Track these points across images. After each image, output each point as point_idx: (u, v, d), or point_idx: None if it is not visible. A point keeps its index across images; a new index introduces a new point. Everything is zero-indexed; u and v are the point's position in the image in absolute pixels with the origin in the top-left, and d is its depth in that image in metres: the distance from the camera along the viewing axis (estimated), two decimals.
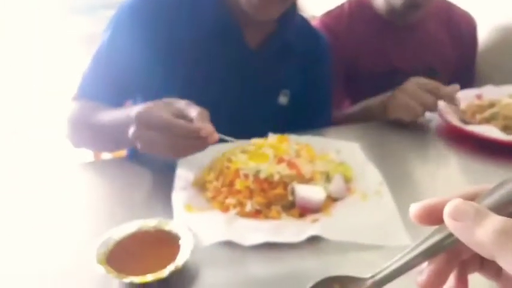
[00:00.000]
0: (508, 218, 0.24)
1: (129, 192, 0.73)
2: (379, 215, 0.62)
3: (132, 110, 0.67)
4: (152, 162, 0.80)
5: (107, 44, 0.89)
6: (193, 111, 0.65)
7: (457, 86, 0.89)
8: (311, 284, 0.28)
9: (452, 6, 1.27)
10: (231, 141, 0.70)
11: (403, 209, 0.63)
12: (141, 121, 0.65)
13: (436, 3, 1.19)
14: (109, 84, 0.89)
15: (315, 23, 1.16)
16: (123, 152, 0.96)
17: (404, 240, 0.57)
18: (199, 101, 0.67)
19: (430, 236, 0.27)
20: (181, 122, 0.64)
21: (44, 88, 2.33)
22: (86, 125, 0.84)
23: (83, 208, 0.70)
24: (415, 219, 0.28)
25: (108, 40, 0.89)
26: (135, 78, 0.88)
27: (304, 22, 1.02)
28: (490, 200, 0.26)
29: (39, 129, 2.18)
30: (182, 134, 0.63)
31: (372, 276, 0.28)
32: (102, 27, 0.92)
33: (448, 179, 0.77)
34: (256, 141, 0.74)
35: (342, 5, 1.25)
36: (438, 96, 0.88)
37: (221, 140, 0.67)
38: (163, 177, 0.74)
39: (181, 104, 0.67)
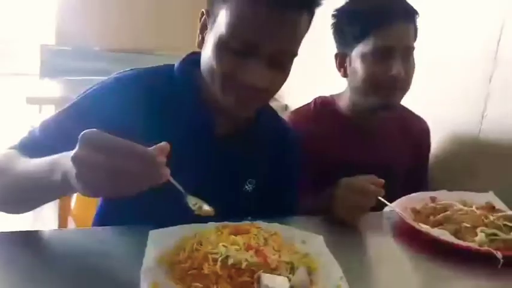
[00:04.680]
0: None
1: (94, 266, 0.72)
2: None
3: (63, 155, 0.63)
4: (121, 234, 0.81)
5: (77, 109, 0.89)
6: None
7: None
8: None
9: (407, 112, 1.40)
10: (180, 191, 0.70)
11: None
12: (89, 140, 0.59)
13: None
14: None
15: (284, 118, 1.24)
16: (89, 222, 0.95)
17: None
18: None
19: None
20: (139, 145, 0.59)
21: None
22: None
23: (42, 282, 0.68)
24: None
25: (80, 106, 0.89)
26: None
27: (274, 114, 1.07)
28: None
29: None
30: (135, 157, 0.58)
31: None
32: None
33: (401, 277, 0.82)
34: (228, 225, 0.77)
35: (309, 104, 1.35)
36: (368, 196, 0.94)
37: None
38: (132, 251, 0.74)
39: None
